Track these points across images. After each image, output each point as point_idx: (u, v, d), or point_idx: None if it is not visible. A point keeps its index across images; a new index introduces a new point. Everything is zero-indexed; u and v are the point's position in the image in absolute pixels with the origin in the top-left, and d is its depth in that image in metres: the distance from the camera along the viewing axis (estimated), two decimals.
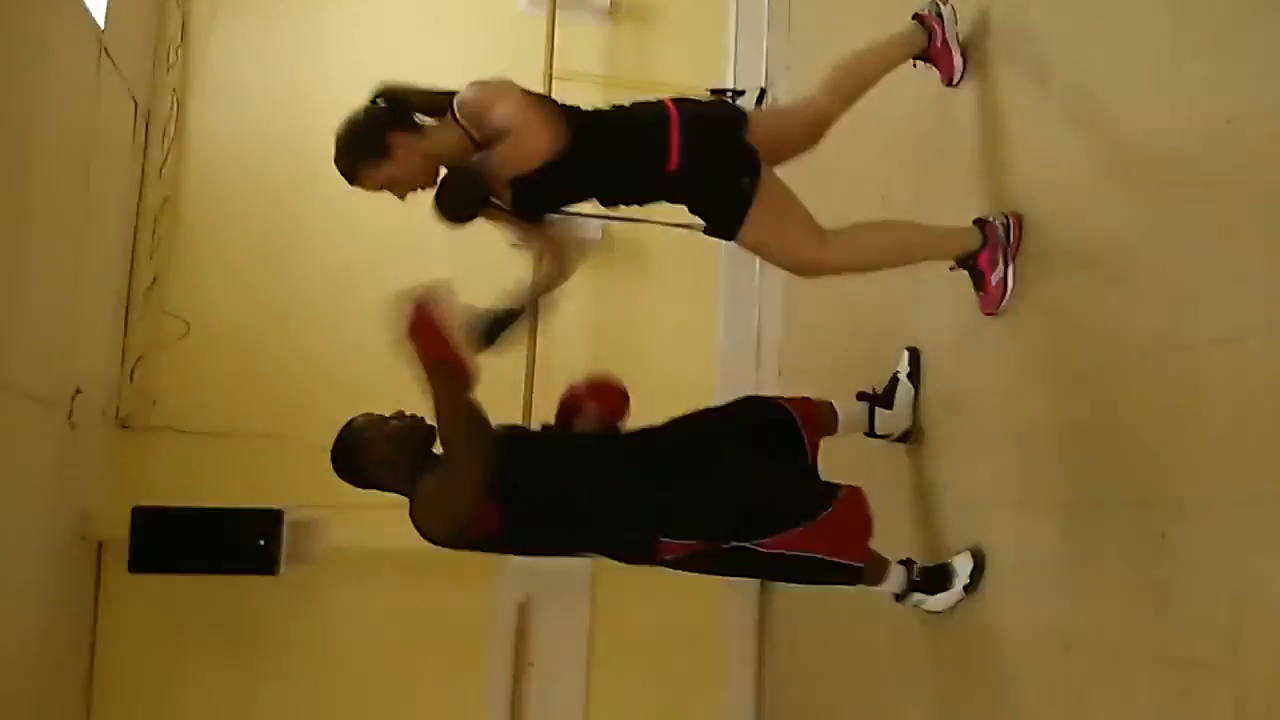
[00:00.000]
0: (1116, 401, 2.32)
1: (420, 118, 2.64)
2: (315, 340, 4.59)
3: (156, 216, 4.57)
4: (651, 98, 2.77)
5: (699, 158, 2.65)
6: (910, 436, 3.21)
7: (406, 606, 4.54)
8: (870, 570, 2.83)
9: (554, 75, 4.71)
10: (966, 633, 2.86)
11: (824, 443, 3.06)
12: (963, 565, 2.85)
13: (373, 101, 2.63)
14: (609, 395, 3.02)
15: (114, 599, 4.32)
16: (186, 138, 4.67)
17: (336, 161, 2.62)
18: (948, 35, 2.99)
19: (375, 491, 2.76)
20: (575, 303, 4.85)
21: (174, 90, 4.66)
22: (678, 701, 4.70)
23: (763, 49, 5.03)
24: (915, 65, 3.04)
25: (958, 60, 3.01)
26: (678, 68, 4.98)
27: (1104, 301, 2.38)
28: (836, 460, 3.08)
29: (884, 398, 3.20)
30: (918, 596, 2.90)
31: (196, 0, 4.73)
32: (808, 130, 2.90)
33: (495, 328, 2.83)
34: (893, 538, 3.09)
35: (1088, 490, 2.41)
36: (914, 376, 3.20)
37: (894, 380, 3.22)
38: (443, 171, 2.58)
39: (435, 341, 2.46)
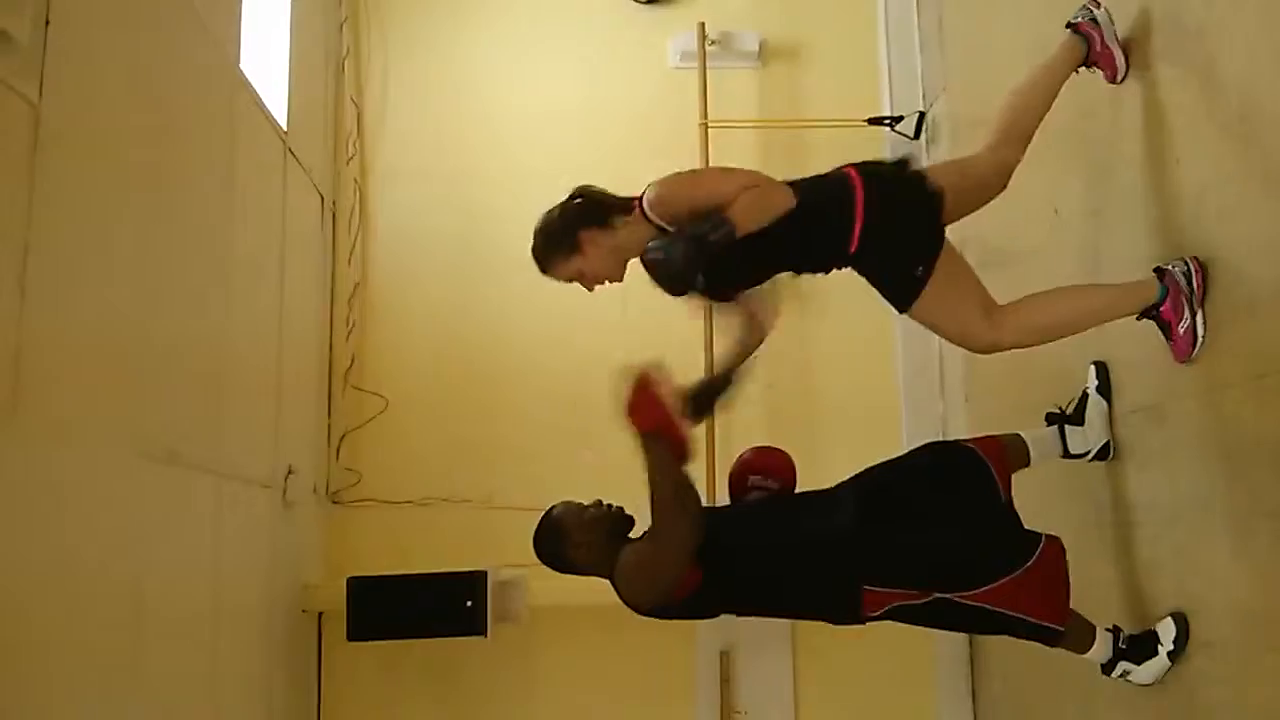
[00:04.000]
0: None
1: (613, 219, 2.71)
2: (505, 408, 4.75)
3: (349, 301, 4.84)
4: (834, 169, 2.76)
5: (880, 239, 2.65)
6: (1109, 451, 3.08)
7: (611, 660, 4.60)
8: (1074, 635, 2.78)
9: (709, 124, 4.77)
10: (1189, 662, 2.72)
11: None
12: (1166, 632, 2.75)
13: (570, 199, 2.74)
14: (776, 462, 3.05)
15: (335, 667, 4.54)
16: (370, 223, 4.94)
17: (533, 252, 2.74)
18: (1106, 38, 2.92)
19: None
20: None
21: (355, 180, 4.94)
22: None
23: (917, 71, 4.96)
24: (1078, 73, 2.98)
25: (1119, 60, 2.93)
26: (833, 102, 4.98)
27: None
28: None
29: (1074, 415, 3.09)
30: (1124, 666, 2.82)
31: (370, 92, 5.02)
32: (989, 185, 2.86)
33: (706, 398, 2.91)
34: (1095, 590, 3.00)
35: None
36: (1104, 390, 3.08)
37: (1084, 396, 3.11)
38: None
39: (654, 414, 2.54)
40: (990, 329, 2.68)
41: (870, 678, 4.51)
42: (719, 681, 4.58)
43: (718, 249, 2.44)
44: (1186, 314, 2.59)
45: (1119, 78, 2.96)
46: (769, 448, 3.12)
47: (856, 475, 2.95)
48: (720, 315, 3.06)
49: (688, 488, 2.60)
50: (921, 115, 4.81)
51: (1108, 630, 2.84)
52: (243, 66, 3.73)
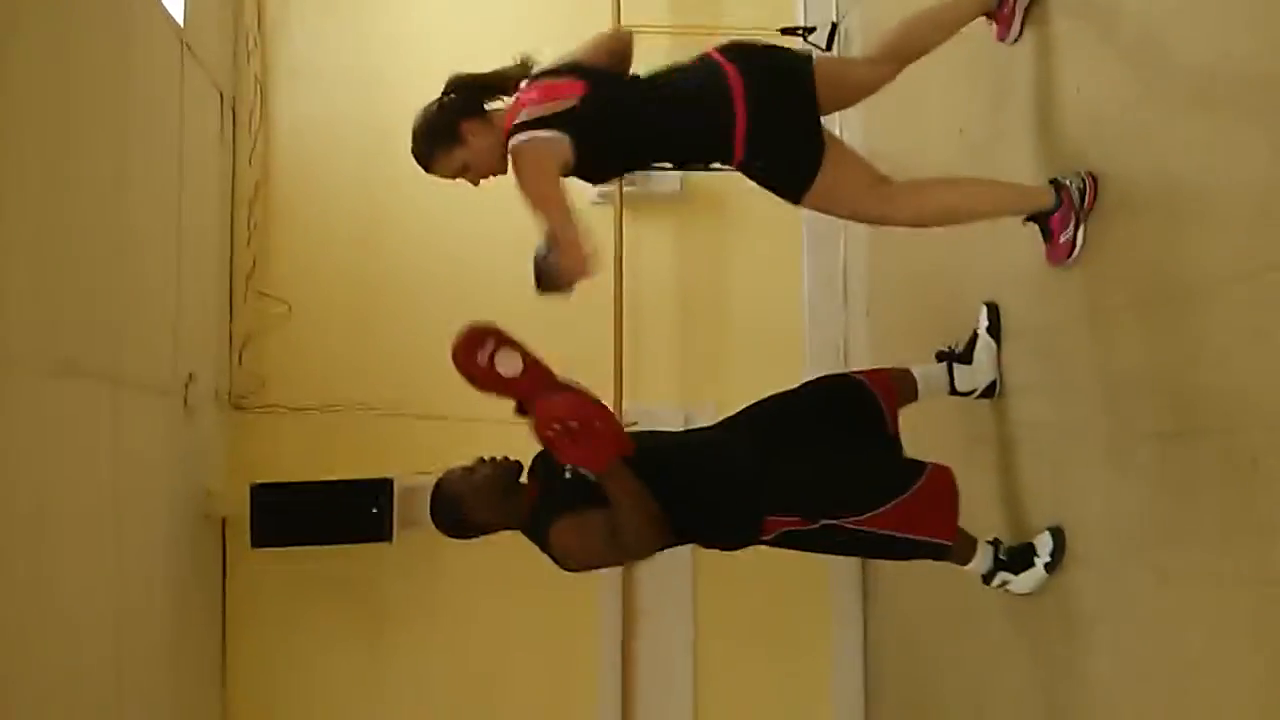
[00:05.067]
0: (1200, 330, 2.27)
1: (490, 106, 2.72)
2: (410, 312, 4.70)
3: (250, 203, 4.71)
4: (704, 56, 2.73)
5: (764, 146, 2.65)
6: (995, 390, 3.18)
7: (515, 563, 4.62)
8: (958, 549, 2.89)
9: (623, 29, 4.69)
10: (1066, 577, 2.86)
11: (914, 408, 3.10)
12: (1044, 545, 2.88)
13: (445, 94, 2.72)
14: (483, 334, 2.83)
15: (240, 572, 4.54)
16: (272, 124, 4.80)
17: (413, 150, 2.73)
18: (1018, 6, 2.94)
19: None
20: (659, 255, 4.91)
21: (256, 78, 4.78)
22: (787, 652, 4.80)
23: None
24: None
25: (1018, 25, 2.97)
26: (747, 7, 4.93)
27: (1182, 232, 2.33)
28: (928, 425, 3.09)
29: (963, 354, 3.19)
30: (1003, 576, 2.95)
31: None
32: (861, 89, 2.88)
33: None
34: (980, 507, 3.11)
35: (1176, 421, 2.37)
36: (993, 330, 3.18)
37: (974, 336, 3.20)
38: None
39: (607, 446, 2.60)
40: (881, 203, 2.74)
41: (767, 586, 4.64)
42: (621, 584, 4.69)
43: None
44: (1071, 225, 2.67)
45: (1009, 40, 3.02)
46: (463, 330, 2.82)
47: (750, 406, 3.02)
48: None
49: (644, 495, 2.63)
50: (834, 26, 4.79)
51: (988, 543, 2.97)
52: None
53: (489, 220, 4.61)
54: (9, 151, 2.72)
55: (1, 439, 2.64)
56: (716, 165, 2.83)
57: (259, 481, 4.23)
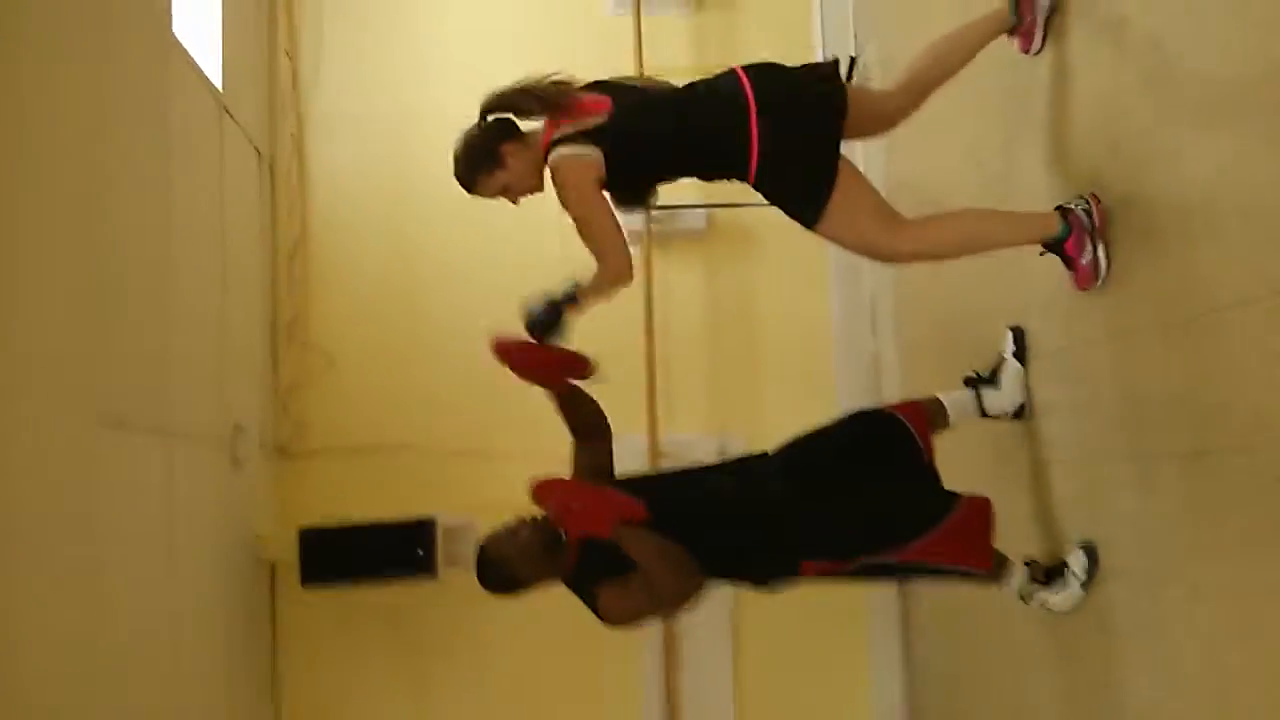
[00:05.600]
0: (1219, 351, 2.32)
1: (524, 124, 2.84)
2: (446, 355, 4.81)
3: (291, 256, 4.86)
4: (728, 73, 2.81)
5: (778, 168, 2.73)
6: (1024, 413, 3.23)
7: (560, 601, 4.73)
8: (993, 571, 2.94)
9: (645, 72, 4.81)
10: (1101, 594, 2.90)
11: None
12: (1077, 562, 2.91)
13: (482, 118, 2.84)
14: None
15: (290, 615, 4.66)
16: (309, 179, 4.95)
17: (456, 174, 2.85)
18: (1038, 14, 2.97)
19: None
20: (688, 291, 5.00)
21: (292, 135, 4.94)
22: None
23: (849, 16, 5.03)
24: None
25: (1039, 36, 3.00)
26: (766, 46, 4.95)
27: (1198, 254, 2.38)
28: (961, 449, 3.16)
29: (989, 378, 3.24)
30: (1041, 595, 2.98)
31: (304, 48, 4.99)
32: (884, 121, 2.98)
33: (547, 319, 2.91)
34: (1015, 526, 3.17)
35: (1198, 440, 2.41)
36: (1019, 354, 3.22)
37: (1000, 360, 3.25)
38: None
39: (598, 512, 2.72)
40: (891, 238, 2.78)
41: (805, 611, 4.64)
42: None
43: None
44: (1089, 247, 2.71)
45: (1033, 51, 3.04)
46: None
47: (787, 444, 3.07)
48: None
49: (668, 552, 2.70)
50: (853, 60, 4.85)
51: (1025, 563, 3.02)
52: (176, 28, 3.72)
53: (520, 261, 4.75)
54: (59, 214, 2.85)
55: (54, 491, 2.75)
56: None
57: (306, 524, 4.34)
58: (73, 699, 2.79)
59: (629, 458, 4.47)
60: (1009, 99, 3.32)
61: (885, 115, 2.97)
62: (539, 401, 4.81)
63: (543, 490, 2.73)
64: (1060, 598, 2.97)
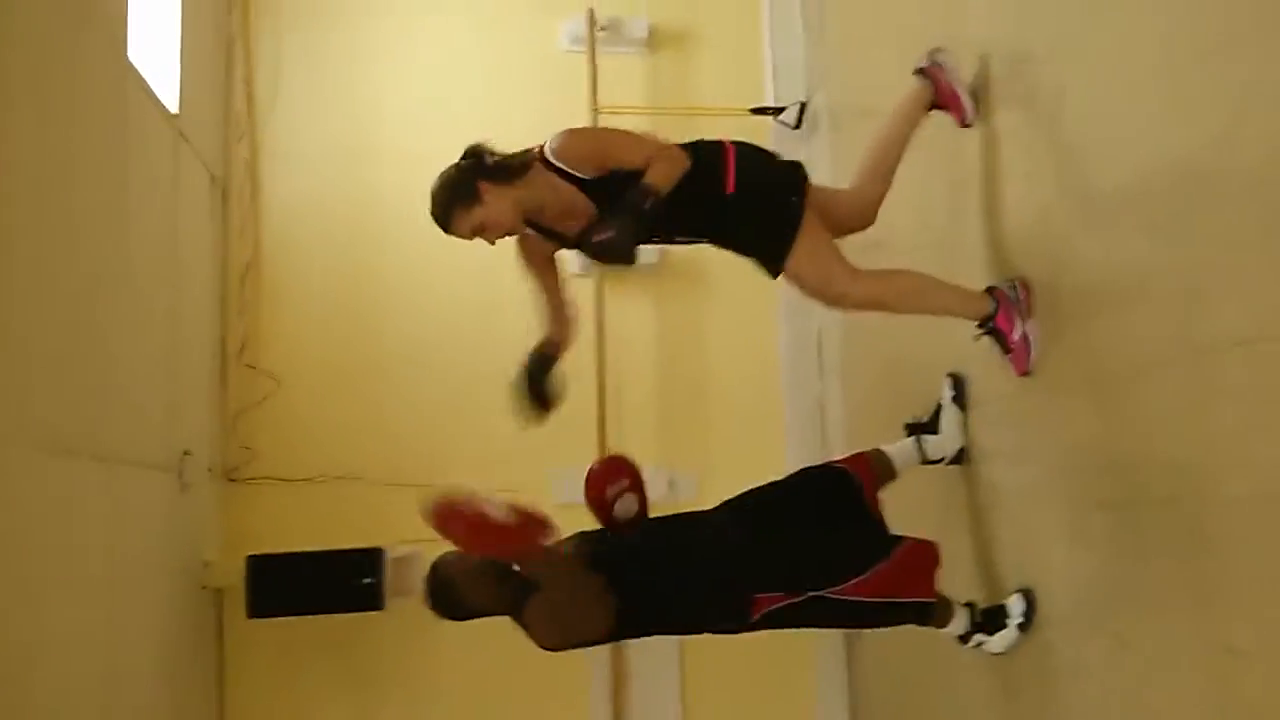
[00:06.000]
0: (1144, 406, 2.43)
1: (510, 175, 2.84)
2: (398, 386, 4.85)
3: (241, 280, 4.86)
4: (712, 139, 2.98)
5: (754, 182, 2.89)
6: (963, 457, 3.35)
7: (507, 629, 4.76)
8: (938, 611, 3.03)
9: (599, 109, 4.89)
10: (1038, 639, 3.00)
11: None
12: (1016, 606, 3.02)
13: (464, 158, 2.83)
14: (620, 467, 3.13)
15: (237, 643, 4.64)
16: (262, 203, 4.95)
17: (432, 211, 2.81)
18: (951, 81, 3.16)
19: None
20: (640, 325, 5.07)
21: (246, 160, 4.94)
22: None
23: (800, 62, 5.14)
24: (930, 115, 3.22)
25: (967, 103, 3.17)
26: (718, 89, 5.14)
27: (1127, 313, 2.50)
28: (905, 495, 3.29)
29: (929, 424, 3.36)
30: (979, 637, 3.08)
31: (260, 74, 5.00)
32: (859, 214, 3.14)
33: (535, 389, 2.97)
34: (958, 568, 3.27)
35: (1125, 491, 2.53)
36: (959, 399, 3.34)
37: (938, 408, 3.37)
38: (526, 226, 2.88)
39: (483, 539, 2.73)
40: (847, 280, 2.91)
41: (753, 656, 4.66)
42: (610, 652, 4.78)
43: (652, 219, 2.68)
44: (1018, 322, 2.88)
45: (967, 120, 3.19)
46: (609, 457, 3.24)
47: (737, 496, 3.18)
48: (545, 297, 3.10)
49: (583, 578, 2.81)
50: (803, 105, 4.99)
51: (964, 605, 3.11)
52: (131, 54, 3.72)
53: (474, 292, 4.80)
54: (10, 237, 2.84)
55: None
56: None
57: (253, 552, 4.33)
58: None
59: (576, 491, 4.54)
60: (953, 167, 3.45)
61: (860, 209, 3.13)
62: (489, 435, 4.88)
63: (436, 515, 2.73)
64: (997, 640, 3.06)
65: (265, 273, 4.92)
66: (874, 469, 3.23)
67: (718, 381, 5.04)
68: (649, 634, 3.20)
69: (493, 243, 2.88)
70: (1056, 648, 2.90)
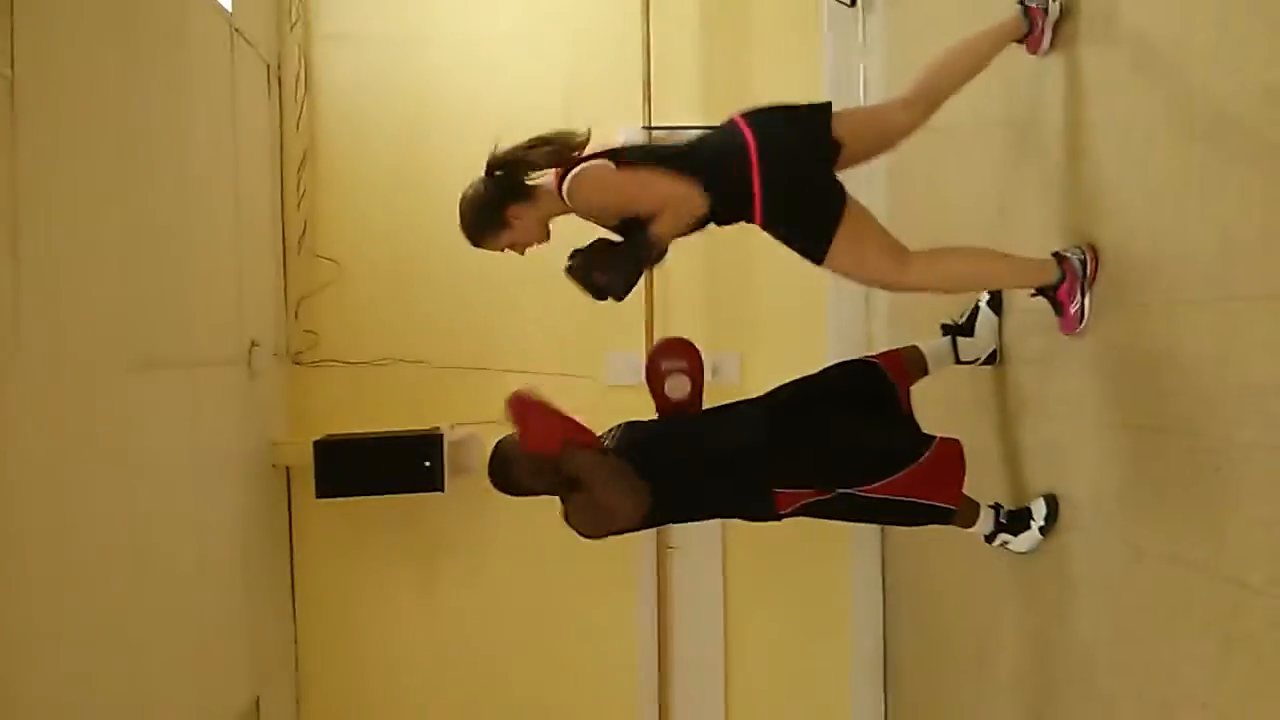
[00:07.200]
0: (1175, 342, 2.51)
1: (533, 177, 2.89)
2: (455, 269, 4.94)
3: (299, 169, 4.96)
4: (729, 123, 2.90)
5: (781, 210, 2.84)
6: (995, 359, 3.44)
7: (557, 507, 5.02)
8: (964, 513, 3.18)
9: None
10: (1059, 542, 3.15)
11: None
12: (1039, 510, 3.16)
13: (489, 174, 2.88)
14: (682, 349, 3.35)
15: (305, 517, 4.94)
16: (316, 90, 5.01)
17: (462, 228, 2.91)
18: (1046, 26, 3.01)
19: None
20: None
21: (299, 46, 4.99)
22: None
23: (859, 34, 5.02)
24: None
25: (1046, 43, 3.04)
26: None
27: (1162, 253, 2.56)
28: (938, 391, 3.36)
29: (965, 326, 3.43)
30: (1003, 537, 3.24)
31: None
32: (886, 142, 3.02)
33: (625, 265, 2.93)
34: (985, 468, 3.40)
35: (1151, 417, 2.63)
36: (994, 304, 3.41)
37: (975, 309, 3.44)
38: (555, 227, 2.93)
39: (550, 434, 2.96)
40: (896, 271, 2.89)
41: (791, 544, 4.96)
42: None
43: (646, 266, 2.80)
44: (1078, 297, 2.86)
45: (1040, 53, 3.08)
46: (677, 338, 3.43)
47: (771, 391, 3.29)
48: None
49: (619, 474, 2.97)
50: None
51: (990, 507, 3.27)
52: None
53: None
54: (100, 179, 2.99)
55: (91, 432, 2.97)
56: None
57: (318, 433, 4.59)
58: (123, 591, 3.10)
59: (627, 374, 4.73)
60: (1011, 130, 3.42)
61: (889, 131, 3.00)
62: (543, 320, 5.03)
63: (513, 403, 3.00)
64: (1020, 540, 3.23)
65: (322, 160, 5.01)
66: (908, 366, 3.33)
67: (764, 268, 5.10)
68: (682, 522, 3.44)
69: (522, 254, 2.99)
70: (1075, 552, 3.06)
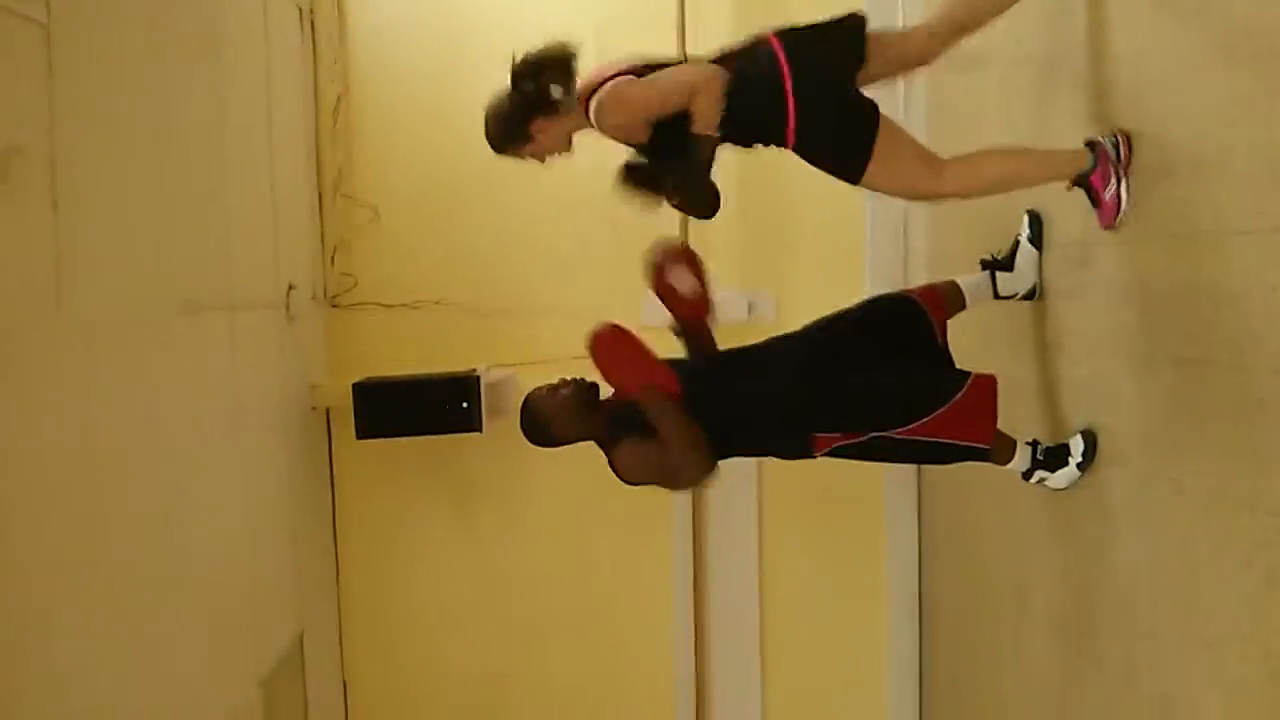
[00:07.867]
0: (1220, 274, 2.47)
1: (556, 90, 2.88)
2: (489, 211, 4.97)
3: (334, 112, 4.96)
4: (760, 39, 2.88)
5: (815, 134, 2.82)
6: (1035, 293, 3.40)
7: (593, 449, 5.04)
8: (998, 451, 3.18)
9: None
10: (1097, 478, 3.13)
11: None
12: (1077, 446, 3.13)
13: (514, 84, 2.90)
14: (673, 250, 3.34)
15: (345, 458, 5.01)
16: (349, 33, 5.00)
17: (487, 137, 2.97)
18: None
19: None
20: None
21: None
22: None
23: None
24: None
25: None
26: None
27: (1207, 182, 2.51)
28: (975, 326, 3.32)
29: (1005, 261, 3.39)
30: (1041, 474, 3.22)
31: None
32: (906, 65, 3.01)
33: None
34: (1022, 403, 3.37)
35: (1196, 350, 2.59)
36: (1035, 239, 3.36)
37: (1015, 244, 3.39)
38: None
39: (634, 373, 2.98)
40: (931, 180, 2.89)
41: (826, 480, 4.88)
42: None
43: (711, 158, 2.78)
44: (1113, 181, 2.82)
45: None
46: (663, 241, 3.41)
47: (808, 325, 3.28)
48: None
49: (698, 445, 2.98)
50: None
51: (1027, 444, 3.25)
52: None
53: None
54: (134, 127, 3.01)
55: (136, 376, 3.02)
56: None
57: (357, 375, 4.64)
58: (164, 543, 3.16)
59: (657, 312, 4.70)
60: (1048, 65, 3.36)
61: (907, 57, 2.97)
62: (578, 260, 5.02)
63: (599, 335, 3.02)
64: (1057, 477, 3.21)
65: (356, 103, 5.00)
66: (945, 300, 3.32)
67: (800, 205, 5.06)
68: (719, 457, 3.43)
69: (543, 163, 3.01)
70: (1114, 488, 3.04)
